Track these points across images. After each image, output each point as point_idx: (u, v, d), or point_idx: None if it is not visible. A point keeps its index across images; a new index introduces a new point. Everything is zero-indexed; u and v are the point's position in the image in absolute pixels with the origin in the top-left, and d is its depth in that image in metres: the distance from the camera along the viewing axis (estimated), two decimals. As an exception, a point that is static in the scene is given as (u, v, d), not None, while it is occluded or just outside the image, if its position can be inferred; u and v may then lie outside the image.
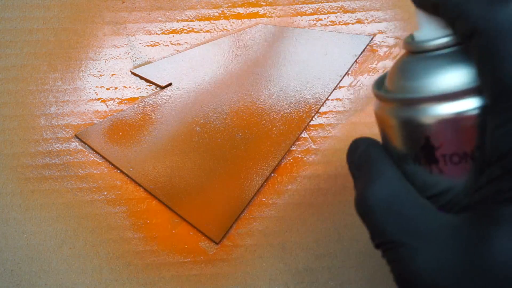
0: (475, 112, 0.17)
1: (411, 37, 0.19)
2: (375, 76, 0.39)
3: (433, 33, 0.18)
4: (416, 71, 0.18)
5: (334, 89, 0.38)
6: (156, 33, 0.39)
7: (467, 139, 0.17)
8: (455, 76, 0.17)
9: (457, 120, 0.17)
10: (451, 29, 0.18)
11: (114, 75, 0.38)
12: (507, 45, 0.16)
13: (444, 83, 0.17)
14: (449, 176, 0.18)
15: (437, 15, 0.18)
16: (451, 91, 0.17)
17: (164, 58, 0.38)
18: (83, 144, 0.37)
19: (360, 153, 0.22)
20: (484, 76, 0.17)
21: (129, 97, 0.38)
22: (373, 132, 0.38)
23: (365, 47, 0.39)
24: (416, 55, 0.18)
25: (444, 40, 0.18)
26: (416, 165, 0.18)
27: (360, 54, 0.39)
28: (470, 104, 0.17)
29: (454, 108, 0.17)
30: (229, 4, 0.40)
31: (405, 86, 0.18)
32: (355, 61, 0.39)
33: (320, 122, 0.38)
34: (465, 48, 0.18)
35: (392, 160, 0.19)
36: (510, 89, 0.16)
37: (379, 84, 0.21)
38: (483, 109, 0.17)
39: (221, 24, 0.39)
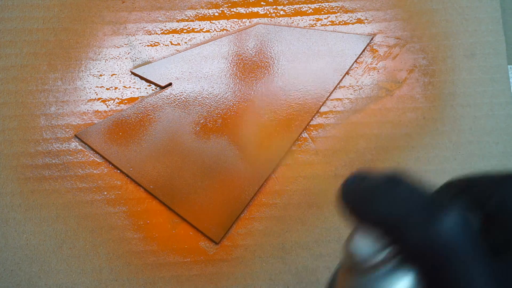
0: None
1: (351, 252, 0.18)
2: (375, 76, 0.39)
3: (372, 246, 0.17)
4: None
5: (334, 89, 0.38)
6: (156, 33, 0.39)
7: None
8: None
9: None
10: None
11: (114, 75, 0.38)
12: (459, 264, 0.15)
13: None
14: None
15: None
16: None
17: (164, 58, 0.38)
18: (83, 144, 0.37)
19: None
20: None
21: (129, 97, 0.38)
22: (373, 132, 0.38)
23: (365, 47, 0.39)
24: (364, 275, 0.18)
25: (386, 253, 0.17)
26: None
27: (360, 54, 0.39)
28: None
29: None
30: (229, 4, 0.40)
31: None
32: (355, 61, 0.39)
33: (320, 122, 0.38)
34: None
35: None
36: None
37: None
38: None
39: (221, 24, 0.39)
